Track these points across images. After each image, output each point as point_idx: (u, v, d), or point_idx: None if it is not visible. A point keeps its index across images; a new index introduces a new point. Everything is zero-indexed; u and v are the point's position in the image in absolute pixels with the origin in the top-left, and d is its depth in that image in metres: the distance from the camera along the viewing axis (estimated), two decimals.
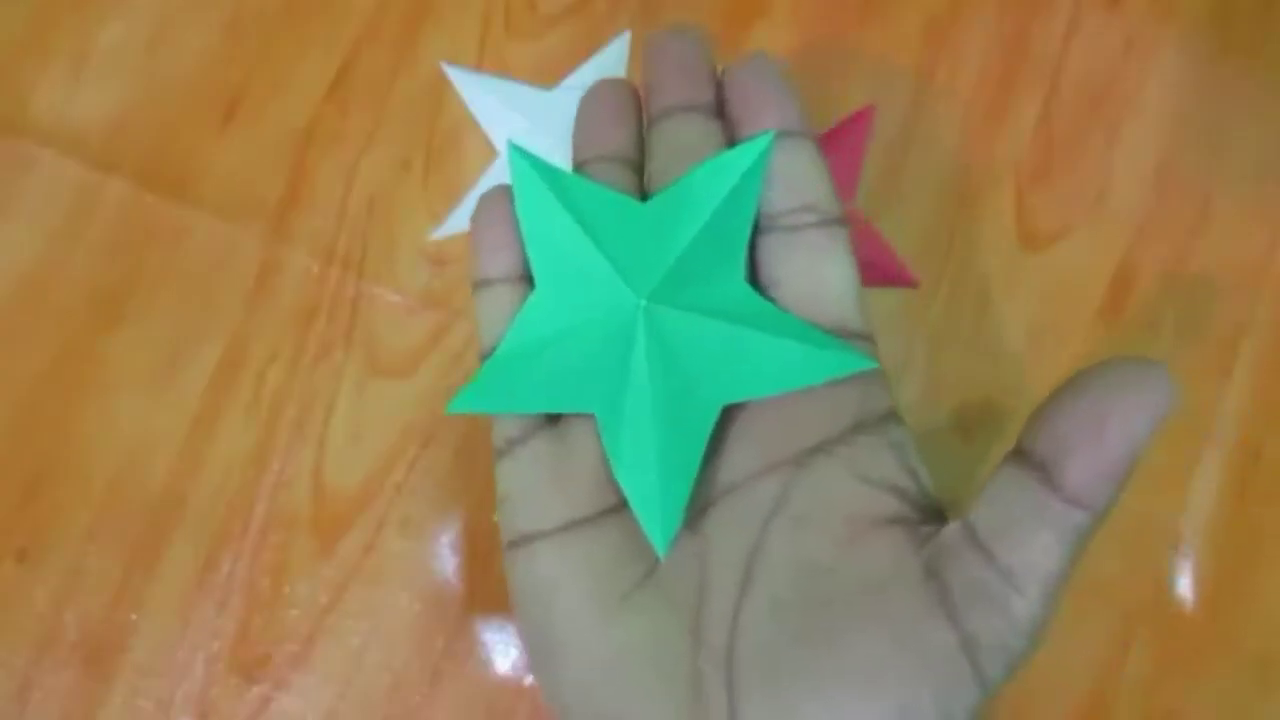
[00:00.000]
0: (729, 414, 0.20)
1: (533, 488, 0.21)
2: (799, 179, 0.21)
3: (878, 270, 0.35)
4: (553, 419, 0.22)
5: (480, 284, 0.22)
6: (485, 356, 0.22)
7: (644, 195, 0.22)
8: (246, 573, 0.34)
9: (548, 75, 0.37)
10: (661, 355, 0.20)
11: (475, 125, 0.37)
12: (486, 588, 0.34)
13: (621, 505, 0.20)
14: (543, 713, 0.34)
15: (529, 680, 0.34)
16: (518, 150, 0.21)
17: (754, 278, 0.21)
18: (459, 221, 0.36)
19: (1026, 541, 0.17)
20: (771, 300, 0.21)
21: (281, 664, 0.34)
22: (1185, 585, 0.34)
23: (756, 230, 0.21)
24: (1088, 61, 0.37)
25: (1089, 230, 0.36)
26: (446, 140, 0.37)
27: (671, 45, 0.22)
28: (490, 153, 0.37)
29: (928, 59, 0.37)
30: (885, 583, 0.18)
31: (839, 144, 0.36)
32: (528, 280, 0.22)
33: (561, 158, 0.36)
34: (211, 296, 0.36)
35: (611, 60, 0.37)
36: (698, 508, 0.20)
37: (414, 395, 0.35)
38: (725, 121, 0.22)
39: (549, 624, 0.20)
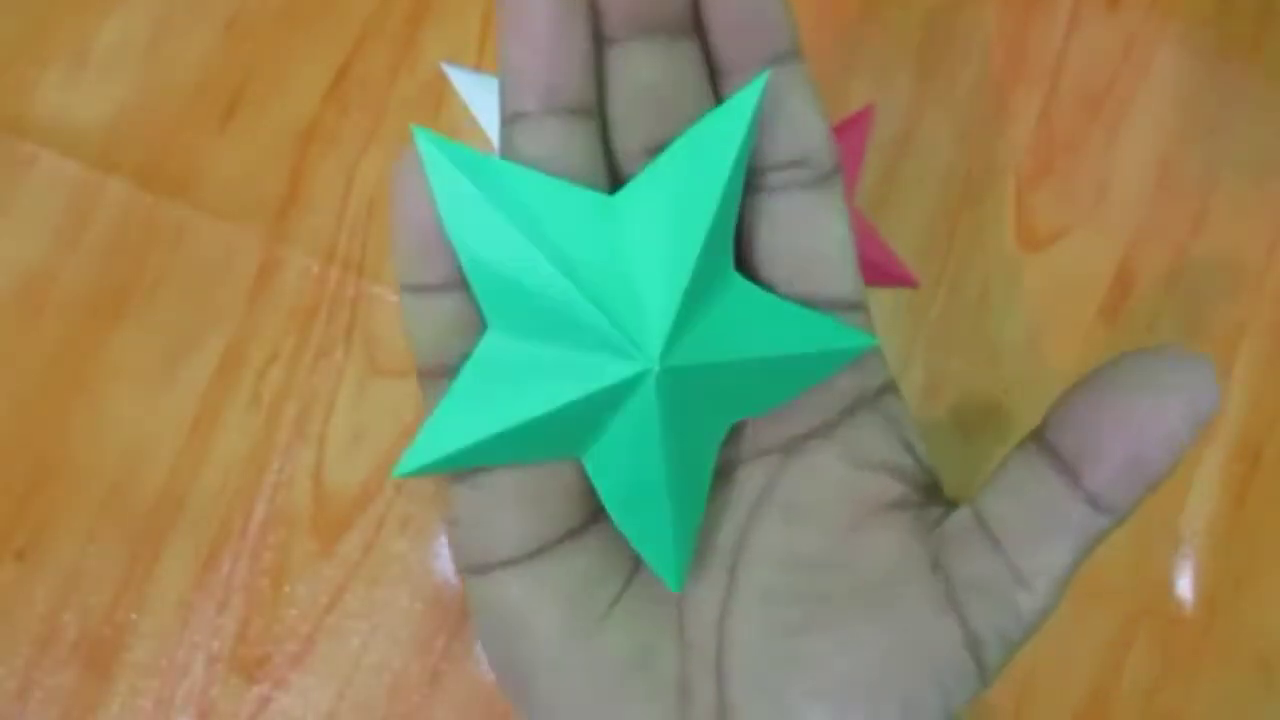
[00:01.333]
0: None
1: (494, 512, 0.18)
2: (787, 125, 0.17)
3: (878, 270, 0.35)
4: None
5: (408, 289, 0.17)
6: (423, 374, 0.18)
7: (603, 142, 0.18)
8: (246, 573, 0.34)
9: None
10: (671, 409, 0.17)
11: (475, 125, 0.37)
12: None
13: (591, 521, 0.18)
14: None
15: None
16: (429, 139, 0.16)
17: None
18: None
19: (1039, 540, 0.16)
20: (752, 267, 0.18)
21: (281, 664, 0.34)
22: (1185, 585, 0.34)
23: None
24: (1088, 61, 0.37)
25: (1089, 230, 0.36)
26: None
27: None
28: (490, 153, 0.36)
29: (928, 58, 0.37)
30: (889, 576, 0.17)
31: (838, 144, 0.36)
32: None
33: None
34: (211, 296, 0.36)
35: None
36: None
37: (414, 395, 0.35)
38: (698, 35, 0.17)
39: (520, 654, 0.18)
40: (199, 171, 0.36)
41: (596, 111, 0.17)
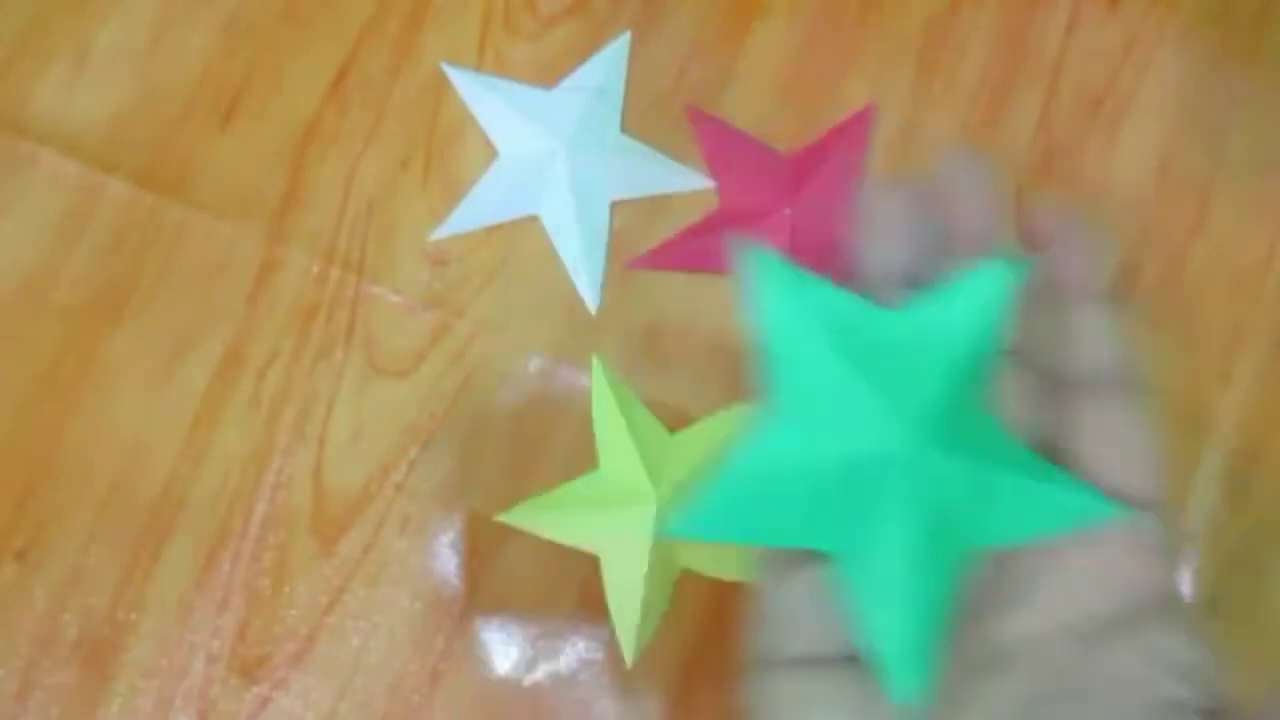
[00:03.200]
0: (999, 577, 0.19)
1: (798, 605, 0.19)
2: (1099, 339, 0.20)
3: None
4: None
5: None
6: None
7: None
8: (246, 573, 0.34)
9: (548, 75, 0.37)
10: (923, 499, 0.18)
11: (475, 125, 0.37)
12: (486, 587, 0.34)
13: None
14: (542, 713, 0.34)
15: (528, 680, 0.34)
16: (770, 261, 0.19)
17: (1043, 444, 0.20)
18: (459, 221, 0.36)
19: None
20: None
21: (281, 664, 0.34)
22: (1185, 585, 0.34)
23: (1048, 390, 0.20)
24: (1088, 61, 0.37)
25: (1089, 230, 0.36)
26: (446, 140, 0.37)
27: (967, 179, 0.22)
28: (490, 153, 0.37)
29: (928, 59, 0.37)
30: None
31: (839, 144, 0.36)
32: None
33: (563, 158, 0.36)
34: (211, 296, 0.36)
35: (611, 60, 0.37)
36: (960, 676, 0.18)
37: (414, 395, 0.35)
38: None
39: None
40: (199, 171, 0.36)
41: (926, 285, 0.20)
